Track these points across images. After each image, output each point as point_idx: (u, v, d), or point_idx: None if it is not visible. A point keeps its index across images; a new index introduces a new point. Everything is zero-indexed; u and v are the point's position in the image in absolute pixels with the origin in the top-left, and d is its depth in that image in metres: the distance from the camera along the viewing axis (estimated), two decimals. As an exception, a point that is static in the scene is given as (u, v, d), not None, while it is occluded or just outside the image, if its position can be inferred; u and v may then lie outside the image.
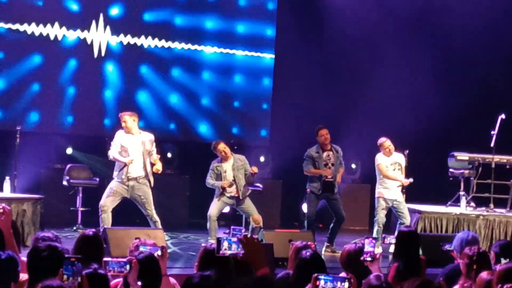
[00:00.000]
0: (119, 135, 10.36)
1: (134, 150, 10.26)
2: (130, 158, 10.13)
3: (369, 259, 5.59)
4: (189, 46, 14.03)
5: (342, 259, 6.10)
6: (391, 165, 11.42)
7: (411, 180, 11.35)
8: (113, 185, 10.25)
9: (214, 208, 11.04)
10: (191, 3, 14.14)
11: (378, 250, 5.76)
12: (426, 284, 3.02)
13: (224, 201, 11.08)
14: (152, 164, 10.30)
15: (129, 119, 10.31)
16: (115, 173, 10.29)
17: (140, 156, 10.27)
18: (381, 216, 11.31)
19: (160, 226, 10.15)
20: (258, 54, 14.61)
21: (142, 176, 10.26)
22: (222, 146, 11.07)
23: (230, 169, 11.05)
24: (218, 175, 11.04)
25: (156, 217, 10.20)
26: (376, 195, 11.48)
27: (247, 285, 3.40)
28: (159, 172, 10.47)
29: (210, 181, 11.08)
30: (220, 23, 14.33)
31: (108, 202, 10.18)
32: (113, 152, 10.30)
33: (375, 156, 11.45)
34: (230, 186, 10.98)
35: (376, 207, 11.41)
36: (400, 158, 11.48)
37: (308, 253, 5.21)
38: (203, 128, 14.29)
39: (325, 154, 11.37)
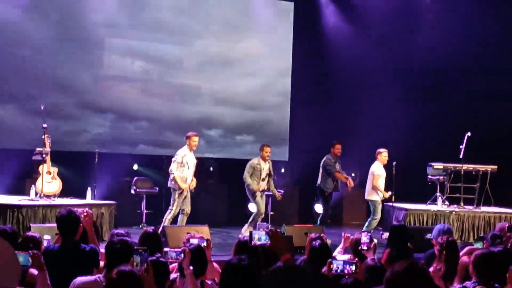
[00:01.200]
0: (184, 153, 10.32)
1: (192, 164, 10.33)
2: (184, 185, 10.17)
3: (365, 248, 5.61)
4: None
5: (351, 245, 6.15)
6: (383, 174, 11.35)
7: (390, 193, 11.30)
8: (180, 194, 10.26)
9: (261, 205, 10.96)
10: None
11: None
12: (414, 265, 3.00)
13: (261, 196, 11.04)
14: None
15: (197, 140, 10.39)
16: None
17: (193, 167, 10.35)
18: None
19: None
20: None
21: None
22: (269, 149, 11.05)
23: (267, 169, 11.01)
24: (257, 171, 10.93)
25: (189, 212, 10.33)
26: (370, 198, 11.40)
27: (277, 272, 3.40)
28: (193, 188, 10.49)
29: (248, 179, 10.90)
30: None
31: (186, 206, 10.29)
32: (176, 172, 10.21)
33: (374, 165, 11.33)
34: (263, 180, 10.97)
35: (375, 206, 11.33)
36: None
37: (317, 243, 5.23)
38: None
39: (337, 164, 11.42)
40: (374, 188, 11.24)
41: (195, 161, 10.46)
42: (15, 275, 3.52)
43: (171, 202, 10.35)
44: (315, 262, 4.95)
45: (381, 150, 11.41)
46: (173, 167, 10.26)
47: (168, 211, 10.31)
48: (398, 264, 3.02)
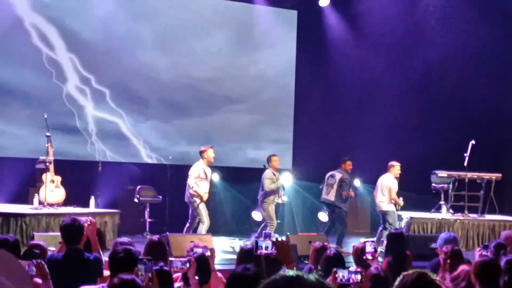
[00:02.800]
0: (201, 167, 10.31)
1: (209, 176, 10.31)
2: (205, 195, 10.25)
3: (370, 257, 5.58)
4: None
5: (354, 254, 6.12)
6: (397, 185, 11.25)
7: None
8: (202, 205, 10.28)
9: (273, 214, 10.92)
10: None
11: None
12: (423, 275, 2.96)
13: (273, 206, 11.01)
14: None
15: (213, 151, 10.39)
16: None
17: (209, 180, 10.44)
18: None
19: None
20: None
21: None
22: (277, 159, 10.99)
23: (278, 176, 10.98)
24: (275, 180, 10.84)
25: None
26: (387, 209, 11.15)
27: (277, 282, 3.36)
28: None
29: (273, 186, 10.77)
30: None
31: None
32: (196, 186, 10.22)
33: (387, 178, 11.13)
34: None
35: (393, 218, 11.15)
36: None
37: (332, 252, 5.19)
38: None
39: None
40: (391, 200, 11.10)
41: (211, 173, 10.51)
42: (27, 282, 3.50)
43: (197, 215, 10.28)
44: (329, 271, 4.92)
45: (394, 163, 11.18)
46: (191, 182, 10.24)
47: (200, 224, 10.24)
48: (407, 275, 2.99)
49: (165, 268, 4.49)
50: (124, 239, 5.69)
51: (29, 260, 4.40)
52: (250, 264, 3.97)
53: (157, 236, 5.82)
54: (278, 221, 12.01)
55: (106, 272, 4.96)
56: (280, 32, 14.47)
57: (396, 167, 11.14)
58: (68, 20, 12.40)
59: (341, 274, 3.99)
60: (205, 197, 10.28)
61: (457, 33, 13.15)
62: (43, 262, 4.46)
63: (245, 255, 4.95)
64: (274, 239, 4.34)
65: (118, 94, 12.85)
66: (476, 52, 13.31)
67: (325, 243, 6.32)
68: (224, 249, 10.75)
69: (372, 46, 14.13)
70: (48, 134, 10.27)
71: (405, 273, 2.90)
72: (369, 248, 5.65)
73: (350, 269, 4.07)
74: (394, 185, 11.09)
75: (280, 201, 11.22)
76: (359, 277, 3.96)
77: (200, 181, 10.25)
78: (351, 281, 4.01)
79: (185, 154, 12.96)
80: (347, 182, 11.19)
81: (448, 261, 5.42)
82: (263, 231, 10.70)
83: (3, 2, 11.89)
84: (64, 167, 10.98)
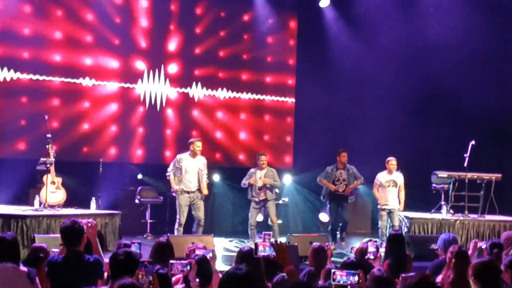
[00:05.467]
0: (184, 158, 10.44)
1: (193, 170, 10.36)
2: (177, 187, 10.38)
3: (372, 257, 5.59)
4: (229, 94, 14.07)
5: (356, 254, 6.13)
6: (386, 182, 11.32)
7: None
8: (181, 200, 10.33)
9: (251, 218, 11.06)
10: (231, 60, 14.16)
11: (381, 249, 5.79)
12: (425, 279, 2.98)
13: (255, 207, 11.09)
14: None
15: (201, 145, 10.39)
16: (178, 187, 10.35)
17: (195, 174, 10.39)
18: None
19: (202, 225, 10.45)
20: (282, 98, 14.59)
21: (196, 189, 10.42)
22: (263, 158, 11.12)
23: (263, 176, 11.01)
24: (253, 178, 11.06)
25: (202, 221, 10.42)
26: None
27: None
28: (206, 194, 10.61)
29: (244, 181, 11.14)
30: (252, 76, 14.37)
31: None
32: (172, 174, 10.41)
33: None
34: (260, 189, 10.96)
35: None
36: (398, 177, 11.37)
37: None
38: (241, 156, 14.28)
39: (338, 172, 11.36)
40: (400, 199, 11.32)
41: (198, 167, 10.47)
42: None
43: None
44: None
45: (389, 158, 11.38)
46: (169, 168, 10.47)
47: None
48: (410, 277, 3.00)
49: (161, 271, 4.48)
50: (127, 241, 5.72)
51: (33, 263, 4.40)
52: (242, 264, 3.97)
53: (165, 237, 5.84)
54: (280, 221, 12.04)
55: (107, 274, 4.97)
56: (280, 33, 14.46)
57: (390, 161, 11.31)
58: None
59: (339, 275, 4.00)
60: (175, 186, 10.39)
61: (458, 33, 13.12)
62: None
63: (243, 257, 4.96)
64: (273, 241, 4.33)
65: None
66: (477, 52, 13.29)
67: (326, 243, 6.33)
68: (229, 249, 10.76)
69: (372, 46, 14.11)
70: (49, 135, 10.28)
71: (404, 274, 2.91)
72: (371, 248, 5.67)
73: (348, 270, 4.07)
74: (377, 177, 11.31)
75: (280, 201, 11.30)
76: (356, 278, 3.97)
77: (177, 171, 10.35)
78: (348, 282, 4.01)
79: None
80: (325, 172, 11.34)
81: (453, 260, 5.42)
82: (263, 232, 10.78)
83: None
84: (65, 168, 10.99)
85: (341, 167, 11.38)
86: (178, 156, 10.61)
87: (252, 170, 11.22)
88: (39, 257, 5.29)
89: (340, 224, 11.42)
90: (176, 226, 10.42)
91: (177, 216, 10.44)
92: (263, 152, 11.53)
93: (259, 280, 3.96)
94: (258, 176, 11.05)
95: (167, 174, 10.62)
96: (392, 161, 11.30)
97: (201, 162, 10.57)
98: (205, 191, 10.60)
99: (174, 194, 10.60)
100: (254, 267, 4.35)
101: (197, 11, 13.78)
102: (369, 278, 4.44)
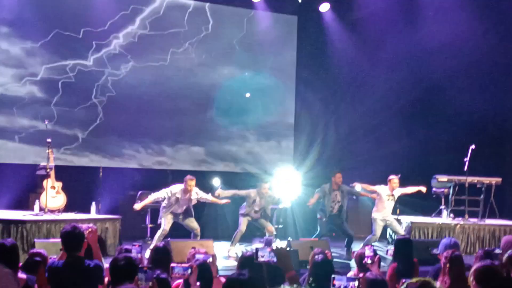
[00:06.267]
0: (178, 191, 10.47)
1: (184, 204, 10.42)
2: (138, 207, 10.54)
3: (369, 262, 5.60)
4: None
5: (356, 259, 6.14)
6: (386, 196, 11.28)
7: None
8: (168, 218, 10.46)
9: (243, 225, 11.03)
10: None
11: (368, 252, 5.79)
12: (426, 283, 2.98)
13: (248, 219, 11.10)
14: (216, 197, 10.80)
15: (193, 184, 10.46)
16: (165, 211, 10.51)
17: (186, 204, 10.53)
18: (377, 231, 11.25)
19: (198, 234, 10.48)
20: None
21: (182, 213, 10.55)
22: (266, 186, 11.16)
23: (264, 203, 11.12)
24: (253, 201, 11.07)
25: (198, 231, 10.49)
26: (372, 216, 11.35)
27: None
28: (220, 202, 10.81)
29: (243, 211, 11.15)
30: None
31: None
32: (155, 196, 10.53)
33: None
34: (256, 212, 11.06)
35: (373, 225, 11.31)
36: (397, 192, 11.37)
37: (319, 258, 5.20)
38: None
39: (333, 193, 11.33)
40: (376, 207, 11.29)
41: (190, 202, 10.56)
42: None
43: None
44: (317, 276, 4.92)
45: (392, 177, 11.29)
46: (161, 192, 10.54)
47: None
48: (411, 283, 3.01)
49: (162, 275, 4.49)
50: (128, 246, 5.72)
51: (30, 269, 4.40)
52: (245, 270, 3.97)
53: (163, 242, 5.84)
54: (280, 226, 12.03)
55: (107, 279, 4.97)
56: (280, 37, 14.48)
57: (393, 180, 11.25)
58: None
59: (338, 281, 4.00)
60: (136, 207, 10.52)
61: (458, 39, 13.15)
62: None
63: (245, 262, 4.96)
64: (274, 247, 4.33)
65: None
66: (477, 57, 13.31)
67: (326, 251, 6.33)
68: (230, 255, 10.76)
69: (372, 51, 14.14)
70: (49, 140, 10.28)
71: (405, 280, 2.91)
72: (368, 252, 5.68)
73: (348, 275, 4.08)
74: (378, 189, 11.26)
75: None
76: (356, 283, 3.97)
77: (167, 202, 10.46)
78: (348, 287, 4.02)
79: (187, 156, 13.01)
80: (322, 191, 11.31)
81: (448, 265, 5.44)
82: (265, 238, 10.79)
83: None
84: (65, 173, 11.00)
85: (336, 188, 11.33)
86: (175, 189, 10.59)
87: (252, 195, 11.10)
88: (37, 263, 5.28)
89: (347, 240, 11.36)
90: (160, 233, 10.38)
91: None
92: (266, 180, 11.43)
93: (262, 286, 3.96)
94: (258, 201, 11.05)
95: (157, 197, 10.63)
96: (395, 180, 11.23)
97: (193, 194, 10.63)
98: (220, 201, 10.71)
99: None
100: (256, 272, 4.35)
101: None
102: (362, 282, 4.46)
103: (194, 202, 10.64)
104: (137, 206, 10.52)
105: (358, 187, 11.32)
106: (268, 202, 11.14)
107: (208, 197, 10.75)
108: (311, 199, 11.26)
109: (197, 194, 10.63)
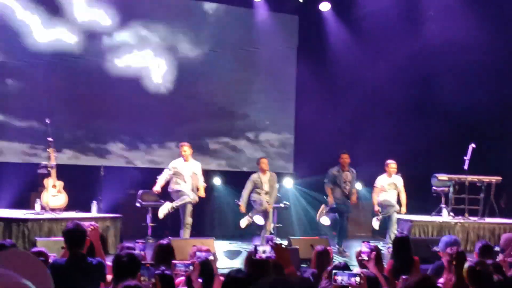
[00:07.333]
0: (177, 162, 10.54)
1: (187, 174, 10.42)
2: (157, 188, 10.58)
3: (365, 258, 5.62)
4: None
5: (357, 256, 6.17)
6: (388, 185, 11.34)
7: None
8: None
9: (245, 222, 11.09)
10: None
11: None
12: (425, 280, 3.01)
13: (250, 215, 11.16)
14: (198, 189, 10.62)
15: (189, 149, 10.46)
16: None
17: (189, 178, 10.47)
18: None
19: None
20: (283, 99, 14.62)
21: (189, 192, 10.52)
22: (265, 161, 11.17)
23: (267, 181, 11.07)
24: (257, 184, 11.04)
25: (188, 224, 10.52)
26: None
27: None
28: (203, 197, 10.69)
29: (244, 193, 11.12)
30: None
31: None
32: (162, 177, 10.57)
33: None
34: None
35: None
36: (397, 180, 11.40)
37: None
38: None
39: (344, 174, 11.29)
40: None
41: (192, 171, 10.54)
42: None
43: None
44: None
45: (388, 161, 11.45)
46: (163, 172, 10.65)
47: None
48: (411, 280, 3.04)
49: (166, 272, 4.53)
50: (130, 243, 5.74)
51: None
52: (255, 267, 4.02)
53: (166, 239, 5.88)
54: (280, 225, 12.06)
55: (109, 277, 5.00)
56: (280, 37, 14.51)
57: (390, 165, 11.37)
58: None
59: (340, 276, 4.04)
60: (154, 188, 10.54)
61: (458, 38, 13.17)
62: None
63: (251, 260, 4.99)
64: (272, 243, 4.37)
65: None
66: (477, 55, 13.33)
67: (328, 248, 6.36)
68: (230, 253, 10.79)
69: (373, 50, 14.15)
70: (50, 139, 10.30)
71: (404, 276, 2.95)
72: (364, 248, 5.70)
73: (350, 272, 4.11)
74: (378, 181, 11.35)
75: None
76: (358, 279, 4.00)
77: (174, 176, 10.50)
78: (350, 283, 4.04)
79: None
80: (331, 175, 11.21)
81: (454, 263, 5.44)
82: (265, 236, 10.82)
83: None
84: (66, 172, 11.02)
85: (346, 169, 11.31)
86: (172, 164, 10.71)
87: (255, 176, 11.19)
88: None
89: (339, 234, 11.22)
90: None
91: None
92: (265, 156, 11.54)
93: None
94: (263, 181, 11.07)
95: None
96: (392, 164, 11.34)
97: (195, 165, 10.67)
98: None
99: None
100: (262, 268, 4.38)
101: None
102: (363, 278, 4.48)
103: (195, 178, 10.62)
104: (157, 187, 10.59)
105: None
106: (272, 180, 11.12)
107: (200, 184, 10.66)
108: (328, 198, 11.21)
109: (198, 169, 10.67)
